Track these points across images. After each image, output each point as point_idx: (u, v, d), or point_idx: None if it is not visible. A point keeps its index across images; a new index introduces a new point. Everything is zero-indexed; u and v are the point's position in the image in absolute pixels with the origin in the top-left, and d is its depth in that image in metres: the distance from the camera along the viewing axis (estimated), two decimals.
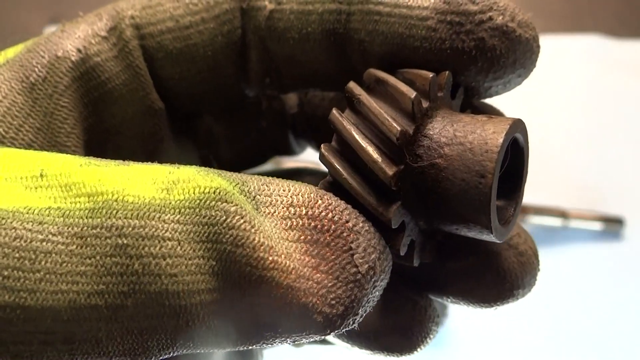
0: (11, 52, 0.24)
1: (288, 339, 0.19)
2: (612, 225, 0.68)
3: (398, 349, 0.25)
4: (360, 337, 0.25)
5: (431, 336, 0.25)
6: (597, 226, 0.68)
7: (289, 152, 0.32)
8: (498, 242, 0.21)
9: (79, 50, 0.24)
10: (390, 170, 0.20)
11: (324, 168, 0.22)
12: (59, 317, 0.17)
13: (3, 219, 0.17)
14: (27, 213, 0.17)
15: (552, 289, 0.65)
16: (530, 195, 0.73)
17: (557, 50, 0.86)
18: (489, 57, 0.21)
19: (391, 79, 0.21)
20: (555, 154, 0.76)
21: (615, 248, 0.68)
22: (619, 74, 0.82)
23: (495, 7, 0.21)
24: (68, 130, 0.23)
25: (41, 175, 0.18)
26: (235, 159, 0.31)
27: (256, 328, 0.18)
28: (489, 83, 0.22)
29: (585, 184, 0.73)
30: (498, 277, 0.23)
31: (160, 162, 0.25)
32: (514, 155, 0.21)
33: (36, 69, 0.23)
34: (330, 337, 0.25)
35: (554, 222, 0.68)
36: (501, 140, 0.19)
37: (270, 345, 0.19)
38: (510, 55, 0.22)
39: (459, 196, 0.20)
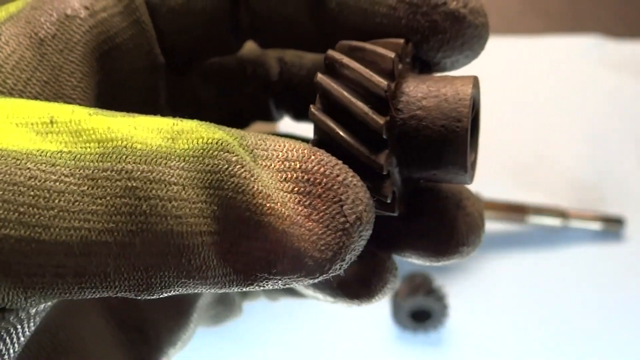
0: (13, 7, 0.25)
1: (280, 282, 0.21)
2: (612, 225, 0.68)
3: (357, 297, 0.28)
4: (325, 286, 0.28)
5: (389, 286, 0.28)
6: (597, 226, 0.68)
7: (269, 118, 0.34)
8: (469, 183, 0.24)
9: (86, 8, 0.25)
10: (381, 120, 0.22)
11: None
12: (71, 252, 0.18)
13: (17, 159, 0.18)
14: (40, 155, 0.18)
15: (552, 289, 0.65)
16: (530, 195, 0.73)
17: (556, 51, 0.86)
18: (439, 38, 0.24)
19: (367, 45, 0.24)
20: (554, 154, 0.76)
21: (615, 248, 0.68)
22: (619, 74, 0.82)
23: None
24: (74, 84, 0.25)
25: (51, 122, 0.19)
26: (219, 121, 0.34)
27: (252, 269, 0.20)
28: (438, 60, 0.25)
29: (585, 183, 0.73)
30: (447, 235, 0.26)
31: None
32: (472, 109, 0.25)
33: (45, 26, 0.24)
34: (300, 288, 0.28)
35: (554, 222, 0.68)
36: (469, 90, 0.23)
37: (263, 288, 0.21)
38: (459, 38, 0.24)
39: (439, 141, 0.23)
